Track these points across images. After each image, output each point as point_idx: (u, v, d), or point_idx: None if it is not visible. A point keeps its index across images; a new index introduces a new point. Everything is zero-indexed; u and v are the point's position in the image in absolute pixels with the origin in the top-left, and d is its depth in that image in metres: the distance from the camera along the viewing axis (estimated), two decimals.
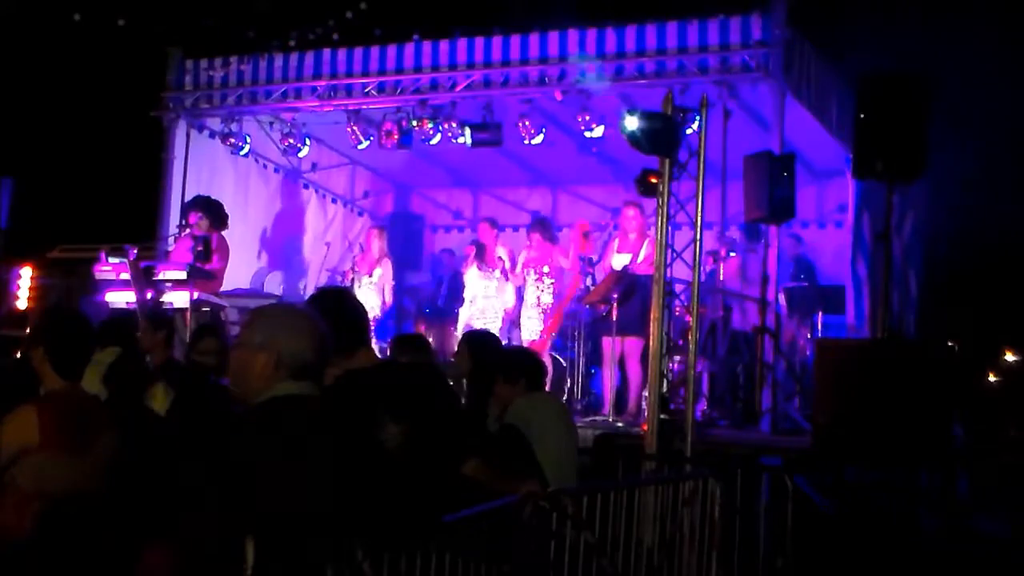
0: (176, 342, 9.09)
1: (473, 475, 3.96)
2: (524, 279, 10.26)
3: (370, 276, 10.96)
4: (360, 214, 13.65)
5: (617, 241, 9.80)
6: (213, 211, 9.90)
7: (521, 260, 10.51)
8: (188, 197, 10.55)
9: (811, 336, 10.25)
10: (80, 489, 3.37)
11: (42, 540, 3.26)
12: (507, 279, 10.47)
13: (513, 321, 10.51)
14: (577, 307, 10.14)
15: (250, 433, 2.83)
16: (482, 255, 10.53)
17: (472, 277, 10.59)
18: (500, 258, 10.57)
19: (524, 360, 5.78)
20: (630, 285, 9.22)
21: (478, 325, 10.24)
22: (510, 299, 10.50)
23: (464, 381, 6.19)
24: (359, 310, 4.01)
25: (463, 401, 5.86)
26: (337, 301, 3.97)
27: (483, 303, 10.45)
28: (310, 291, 12.10)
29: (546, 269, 10.15)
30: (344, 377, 3.66)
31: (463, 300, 10.68)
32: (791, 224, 10.14)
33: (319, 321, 3.02)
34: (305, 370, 2.90)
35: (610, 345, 9.36)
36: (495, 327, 10.26)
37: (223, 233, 10.00)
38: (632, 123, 7.24)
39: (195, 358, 6.09)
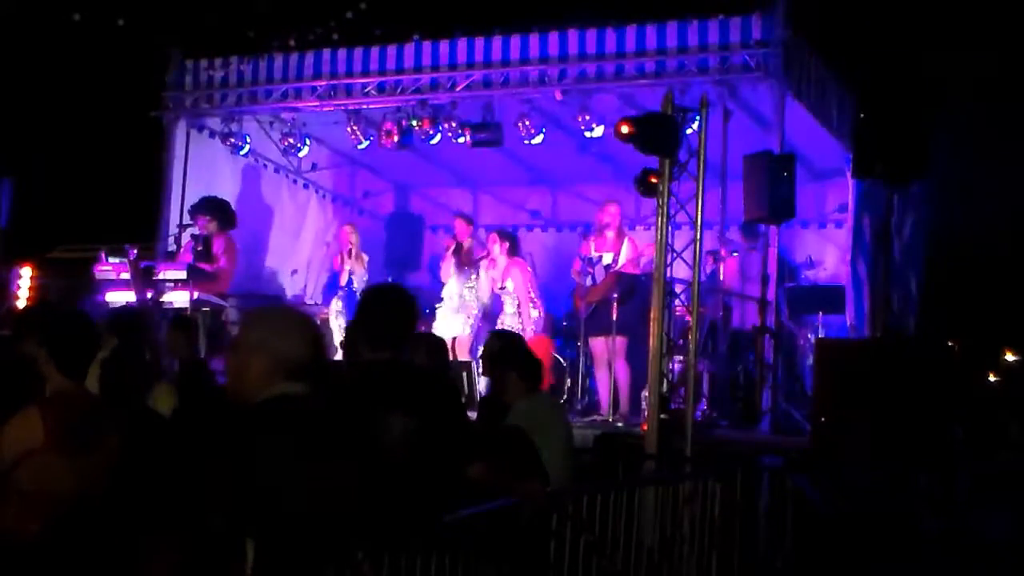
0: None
1: (477, 478, 3.97)
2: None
3: (357, 273, 10.93)
4: (360, 214, 13.64)
5: (594, 240, 9.79)
6: (221, 212, 9.90)
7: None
8: (188, 197, 10.54)
9: (811, 336, 10.25)
10: (84, 490, 3.37)
11: (49, 542, 3.26)
12: (486, 275, 10.51)
13: (486, 316, 10.55)
14: (575, 306, 10.15)
15: (249, 433, 2.83)
16: (460, 253, 10.56)
17: (450, 274, 10.62)
18: (475, 254, 10.59)
19: (537, 361, 5.80)
20: (630, 285, 9.23)
21: (455, 322, 10.28)
22: (485, 295, 10.54)
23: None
24: (397, 307, 4.09)
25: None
26: (382, 295, 4.22)
27: (459, 301, 10.49)
28: (310, 291, 12.13)
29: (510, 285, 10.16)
30: (358, 369, 3.69)
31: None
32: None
33: (312, 323, 3.06)
34: (300, 370, 2.92)
35: (600, 345, 9.37)
36: (471, 324, 10.33)
37: (230, 234, 9.99)
38: (625, 130, 7.29)
39: None
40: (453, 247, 10.68)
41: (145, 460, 3.47)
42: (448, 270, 10.66)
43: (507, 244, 10.29)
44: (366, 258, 11.06)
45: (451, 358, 10.08)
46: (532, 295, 10.16)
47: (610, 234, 9.66)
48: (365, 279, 10.85)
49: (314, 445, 2.81)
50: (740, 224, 10.12)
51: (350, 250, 10.91)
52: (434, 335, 7.94)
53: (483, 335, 10.53)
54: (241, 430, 2.85)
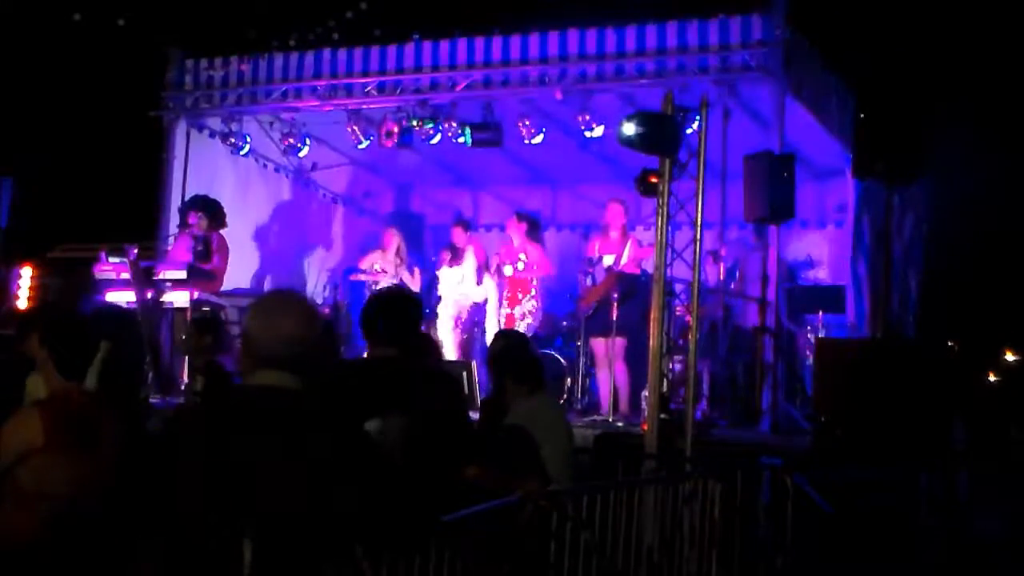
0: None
1: (477, 478, 3.97)
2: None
3: (394, 276, 10.97)
4: (360, 214, 13.64)
5: (599, 242, 9.79)
6: (212, 210, 9.90)
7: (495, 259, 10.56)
8: (188, 197, 10.54)
9: (811, 336, 10.25)
10: (84, 490, 3.37)
11: (51, 542, 3.25)
12: (478, 278, 10.53)
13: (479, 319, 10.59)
14: (575, 306, 10.15)
15: (203, 428, 2.78)
16: (456, 257, 10.60)
17: (444, 276, 10.67)
18: (469, 256, 10.63)
19: (535, 362, 5.80)
20: (630, 285, 9.23)
21: (450, 324, 10.32)
22: (476, 295, 10.57)
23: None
24: (399, 307, 4.31)
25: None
26: (385, 295, 4.56)
27: (454, 301, 10.54)
28: (310, 291, 12.14)
29: (520, 267, 10.15)
30: (358, 365, 3.68)
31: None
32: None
33: (302, 311, 2.86)
34: (276, 360, 2.76)
35: (601, 346, 9.36)
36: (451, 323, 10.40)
37: (222, 232, 9.99)
38: (629, 129, 7.26)
39: None
40: (448, 251, 10.73)
41: (142, 460, 3.46)
42: (442, 272, 10.73)
43: (524, 225, 10.30)
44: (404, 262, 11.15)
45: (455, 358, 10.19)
46: (535, 282, 10.19)
47: (614, 234, 9.67)
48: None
49: (260, 441, 2.67)
50: (747, 225, 10.11)
51: (397, 250, 10.97)
52: (424, 334, 7.94)
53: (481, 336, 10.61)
54: (202, 423, 2.80)
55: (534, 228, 10.42)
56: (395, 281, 10.82)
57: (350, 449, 2.71)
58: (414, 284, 10.90)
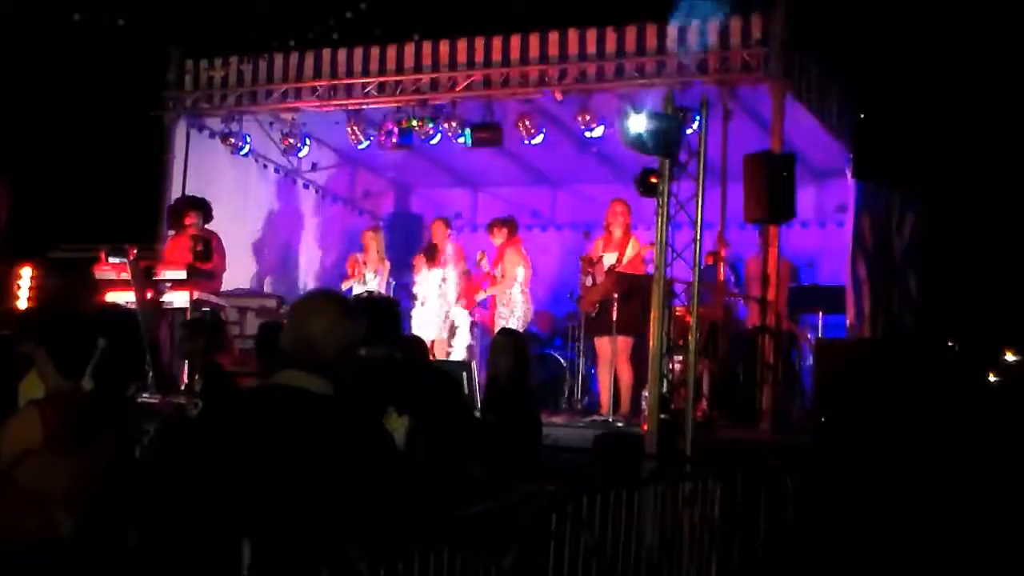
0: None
1: (478, 476, 3.98)
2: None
3: (374, 276, 10.89)
4: (360, 214, 13.64)
5: (601, 241, 9.78)
6: (205, 209, 9.94)
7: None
8: (176, 198, 10.52)
9: (811, 336, 10.24)
10: (82, 489, 3.37)
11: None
12: (456, 278, 10.49)
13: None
14: (575, 306, 10.14)
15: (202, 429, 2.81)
16: (432, 256, 10.54)
17: (422, 278, 10.59)
18: (448, 256, 10.56)
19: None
20: (632, 285, 9.22)
21: (427, 325, 10.29)
22: (453, 297, 10.52)
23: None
24: (382, 307, 4.49)
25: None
26: (365, 298, 4.79)
27: (432, 303, 10.47)
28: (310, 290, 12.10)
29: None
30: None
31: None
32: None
33: (333, 315, 2.83)
34: (291, 360, 2.79)
35: (604, 345, 9.36)
36: (436, 326, 10.30)
37: (218, 233, 10.00)
38: (636, 124, 7.22)
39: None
40: (425, 248, 10.67)
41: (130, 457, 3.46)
42: (420, 271, 10.65)
43: (505, 230, 10.30)
44: (388, 263, 11.05)
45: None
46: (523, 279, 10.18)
47: (617, 232, 9.66)
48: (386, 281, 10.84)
49: (257, 441, 2.67)
50: (745, 225, 10.09)
51: (378, 251, 10.89)
52: (412, 335, 7.92)
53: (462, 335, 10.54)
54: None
55: (514, 230, 10.43)
56: (379, 281, 10.77)
57: (354, 451, 2.70)
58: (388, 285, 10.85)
